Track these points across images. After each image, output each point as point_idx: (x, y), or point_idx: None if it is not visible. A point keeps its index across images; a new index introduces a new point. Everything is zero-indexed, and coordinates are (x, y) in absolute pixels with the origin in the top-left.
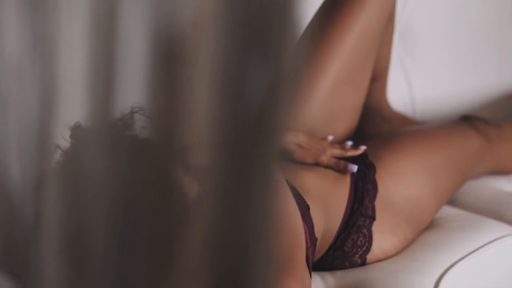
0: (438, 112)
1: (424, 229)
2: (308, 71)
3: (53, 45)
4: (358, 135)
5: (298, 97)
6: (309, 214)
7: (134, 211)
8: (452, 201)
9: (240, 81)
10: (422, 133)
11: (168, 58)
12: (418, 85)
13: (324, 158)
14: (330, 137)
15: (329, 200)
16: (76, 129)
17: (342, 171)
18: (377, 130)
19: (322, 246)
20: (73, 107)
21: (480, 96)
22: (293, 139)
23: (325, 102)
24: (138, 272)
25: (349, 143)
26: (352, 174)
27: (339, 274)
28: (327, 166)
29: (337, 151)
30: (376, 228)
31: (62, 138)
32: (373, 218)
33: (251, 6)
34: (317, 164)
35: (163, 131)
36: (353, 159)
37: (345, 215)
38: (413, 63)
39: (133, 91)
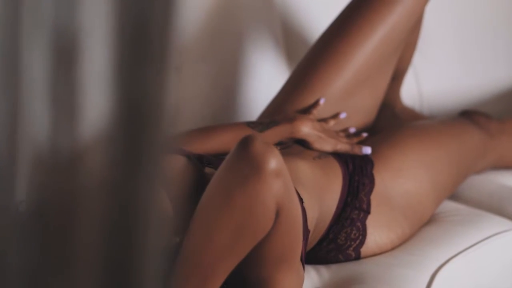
0: (445, 106)
1: (423, 223)
2: (325, 68)
3: None
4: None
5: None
6: (302, 207)
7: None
8: (454, 196)
9: (132, 85)
10: (422, 128)
11: (67, 61)
12: (426, 79)
13: (341, 146)
14: (343, 115)
15: (323, 192)
16: None
17: (357, 153)
18: (385, 124)
19: (313, 238)
20: None
21: (488, 91)
22: (314, 131)
23: (338, 102)
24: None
25: (352, 129)
26: (347, 168)
27: (334, 267)
28: (343, 153)
29: (344, 140)
30: (371, 222)
31: None
32: (367, 211)
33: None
34: (334, 153)
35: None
36: (351, 156)
37: (337, 208)
38: (421, 57)
39: (35, 90)
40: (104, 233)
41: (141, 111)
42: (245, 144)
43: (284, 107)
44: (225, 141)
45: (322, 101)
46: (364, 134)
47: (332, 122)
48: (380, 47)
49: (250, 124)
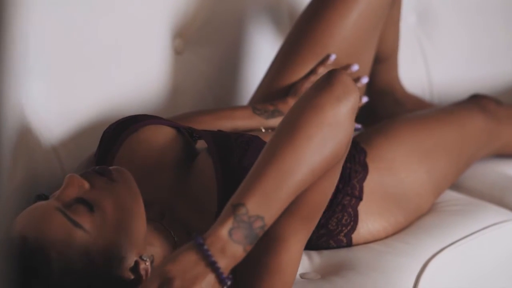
0: (455, 95)
1: (421, 214)
2: (308, 49)
3: None
4: (371, 117)
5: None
6: None
7: None
8: (455, 186)
9: None
10: (418, 117)
11: None
12: (436, 68)
13: None
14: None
15: None
16: None
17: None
18: (389, 112)
19: None
20: None
21: (499, 81)
22: None
23: None
24: None
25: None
26: None
27: (326, 253)
28: None
29: None
30: (363, 208)
31: None
32: (359, 198)
33: None
34: None
35: None
36: None
37: None
38: (432, 46)
39: None
40: None
41: None
42: (339, 73)
43: (275, 85)
44: (233, 127)
45: (332, 57)
46: (364, 99)
47: None
48: (359, 22)
49: (256, 111)
